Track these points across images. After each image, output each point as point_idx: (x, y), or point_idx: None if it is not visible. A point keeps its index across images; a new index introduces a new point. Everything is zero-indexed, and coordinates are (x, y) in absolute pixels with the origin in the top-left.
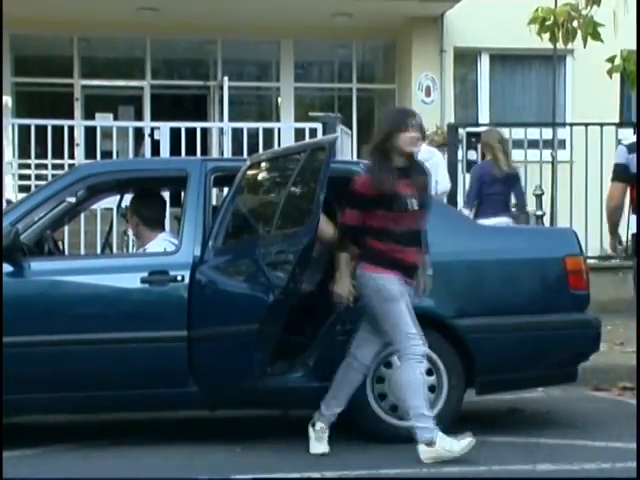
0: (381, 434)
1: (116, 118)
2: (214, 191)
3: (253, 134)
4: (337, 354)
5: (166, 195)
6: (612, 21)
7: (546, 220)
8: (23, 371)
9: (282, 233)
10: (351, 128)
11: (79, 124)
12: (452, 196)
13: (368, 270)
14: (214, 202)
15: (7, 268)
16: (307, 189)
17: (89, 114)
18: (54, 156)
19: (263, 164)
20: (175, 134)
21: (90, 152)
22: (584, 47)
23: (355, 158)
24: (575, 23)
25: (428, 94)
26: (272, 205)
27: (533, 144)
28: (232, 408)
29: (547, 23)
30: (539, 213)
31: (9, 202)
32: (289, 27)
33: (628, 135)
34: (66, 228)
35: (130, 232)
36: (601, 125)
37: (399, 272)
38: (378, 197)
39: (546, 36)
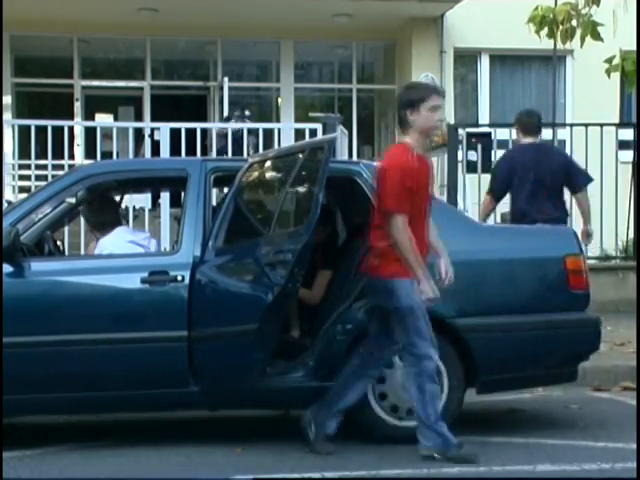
0: (381, 434)
1: (116, 119)
2: (214, 191)
3: (253, 135)
4: (337, 354)
5: (166, 195)
6: (611, 21)
7: None
8: (23, 371)
9: (281, 233)
10: (351, 128)
11: (79, 124)
12: (452, 196)
13: None
14: (214, 202)
15: (7, 269)
16: (306, 189)
17: (89, 114)
18: (54, 156)
19: (263, 164)
20: (175, 135)
21: (90, 152)
22: (581, 47)
23: (355, 158)
24: (574, 22)
25: None
26: (271, 205)
27: None
28: (232, 408)
29: (546, 21)
30: None
31: (9, 203)
32: (289, 27)
33: (628, 135)
34: (66, 228)
35: None
36: (601, 125)
37: None
38: None
39: (545, 35)
